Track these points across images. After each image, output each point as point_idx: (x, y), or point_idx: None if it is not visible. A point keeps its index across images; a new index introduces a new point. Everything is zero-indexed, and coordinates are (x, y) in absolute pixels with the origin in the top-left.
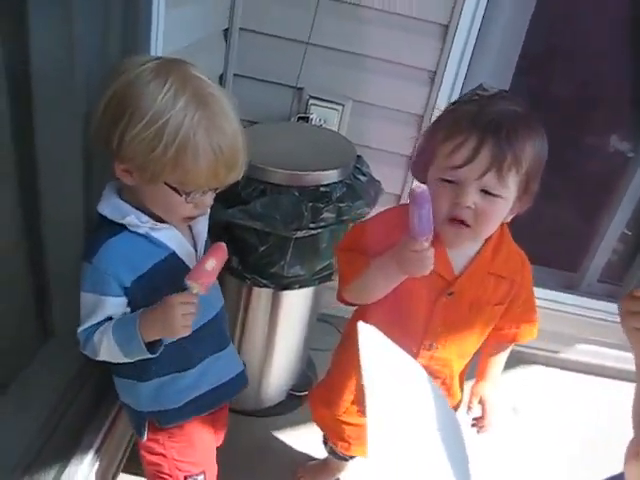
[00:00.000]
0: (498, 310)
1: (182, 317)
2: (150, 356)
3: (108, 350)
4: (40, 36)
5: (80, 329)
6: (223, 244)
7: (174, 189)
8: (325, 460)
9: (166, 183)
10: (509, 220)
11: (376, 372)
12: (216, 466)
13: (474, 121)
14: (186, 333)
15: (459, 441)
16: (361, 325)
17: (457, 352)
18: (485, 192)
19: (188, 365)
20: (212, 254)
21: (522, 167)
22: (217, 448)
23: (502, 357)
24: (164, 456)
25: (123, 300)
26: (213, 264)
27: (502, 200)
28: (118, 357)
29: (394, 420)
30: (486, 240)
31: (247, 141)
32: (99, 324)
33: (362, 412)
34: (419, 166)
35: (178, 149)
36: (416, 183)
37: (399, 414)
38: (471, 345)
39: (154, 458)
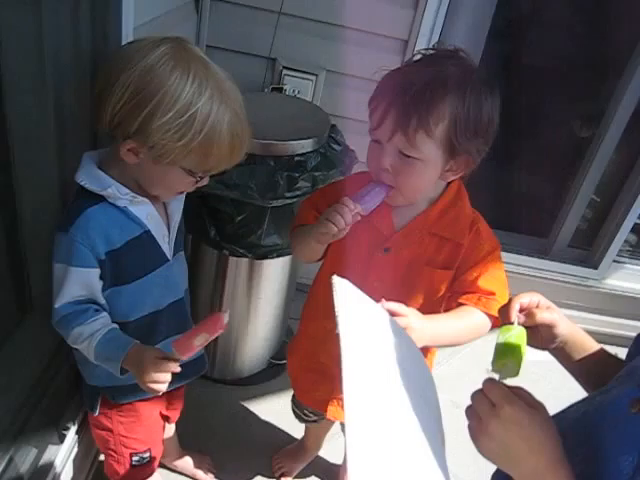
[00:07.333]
0: (443, 275)
1: (153, 384)
2: (117, 376)
3: (82, 349)
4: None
5: (57, 305)
6: (222, 317)
7: (189, 172)
8: (299, 442)
9: (182, 167)
10: (450, 179)
11: (352, 324)
12: (162, 445)
13: (389, 85)
14: (155, 394)
15: (434, 398)
16: (335, 279)
17: None
18: (402, 153)
19: (149, 343)
20: (207, 328)
21: (432, 128)
22: (198, 417)
23: (456, 314)
24: (111, 431)
25: (97, 272)
26: (203, 339)
27: (419, 162)
28: (86, 355)
29: (370, 373)
30: (435, 200)
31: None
32: (78, 304)
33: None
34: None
35: (205, 137)
36: None
37: (374, 366)
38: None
39: (102, 433)
